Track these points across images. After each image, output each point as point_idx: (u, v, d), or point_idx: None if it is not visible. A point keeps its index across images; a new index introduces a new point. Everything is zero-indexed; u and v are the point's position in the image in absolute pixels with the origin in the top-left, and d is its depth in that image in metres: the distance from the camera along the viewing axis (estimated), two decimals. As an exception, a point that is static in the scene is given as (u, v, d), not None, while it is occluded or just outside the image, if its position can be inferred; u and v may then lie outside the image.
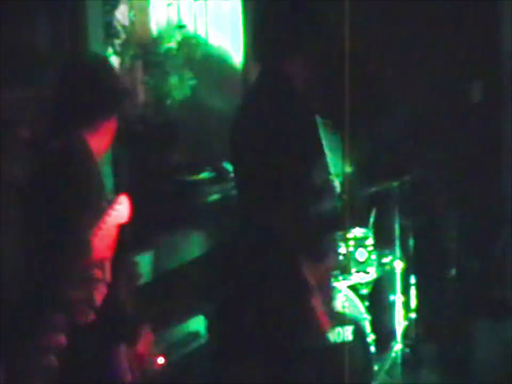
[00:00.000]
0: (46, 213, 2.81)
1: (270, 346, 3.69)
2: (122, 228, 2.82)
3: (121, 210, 2.80)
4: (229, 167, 4.78)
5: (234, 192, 4.77)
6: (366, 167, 5.00)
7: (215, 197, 4.84)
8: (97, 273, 2.59)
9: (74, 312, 2.40)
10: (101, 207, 2.85)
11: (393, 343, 5.19)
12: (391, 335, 5.21)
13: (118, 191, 4.11)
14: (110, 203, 2.74)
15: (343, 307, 4.78)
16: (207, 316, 4.36)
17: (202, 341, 4.31)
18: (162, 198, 4.33)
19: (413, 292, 5.40)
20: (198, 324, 4.31)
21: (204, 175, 4.82)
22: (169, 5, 4.98)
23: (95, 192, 2.90)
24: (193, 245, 4.68)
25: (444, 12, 5.54)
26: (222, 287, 4.52)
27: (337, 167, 4.15)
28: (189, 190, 4.63)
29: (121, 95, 3.14)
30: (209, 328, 4.36)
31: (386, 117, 5.35)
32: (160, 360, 3.95)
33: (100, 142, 3.03)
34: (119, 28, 4.59)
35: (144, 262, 3.98)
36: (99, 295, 2.49)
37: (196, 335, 4.29)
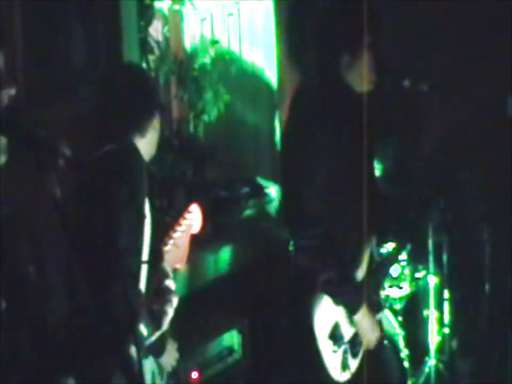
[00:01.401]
0: (96, 224, 2.83)
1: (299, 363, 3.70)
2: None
3: (193, 219, 2.82)
4: (263, 182, 4.80)
5: (268, 207, 4.80)
6: (399, 180, 4.99)
7: (249, 212, 4.86)
8: (171, 283, 2.59)
9: (151, 323, 2.41)
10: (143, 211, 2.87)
11: (427, 359, 5.16)
12: (425, 350, 5.18)
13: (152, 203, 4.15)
14: (181, 213, 2.76)
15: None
16: (241, 331, 4.36)
17: (236, 356, 4.31)
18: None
19: (446, 306, 5.36)
20: (232, 339, 4.31)
21: (239, 190, 4.83)
22: (203, 20, 5.01)
23: (144, 195, 2.93)
24: (228, 260, 4.69)
25: (480, 26, 5.52)
26: (256, 302, 4.52)
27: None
28: (224, 205, 4.65)
29: (160, 96, 3.19)
30: (243, 344, 4.36)
31: (420, 132, 5.33)
32: (195, 375, 3.96)
33: (147, 144, 3.06)
34: (153, 43, 4.62)
35: (179, 276, 3.99)
36: (172, 306, 2.50)
37: (230, 350, 4.29)
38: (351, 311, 3.59)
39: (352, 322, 3.62)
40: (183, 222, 2.79)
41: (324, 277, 3.52)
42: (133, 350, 2.44)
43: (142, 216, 2.88)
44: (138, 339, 2.50)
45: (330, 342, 3.57)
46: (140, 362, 2.47)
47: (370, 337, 3.65)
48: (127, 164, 2.90)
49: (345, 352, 3.63)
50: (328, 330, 3.58)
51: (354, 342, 3.66)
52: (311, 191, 3.49)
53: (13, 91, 1.80)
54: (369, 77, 3.57)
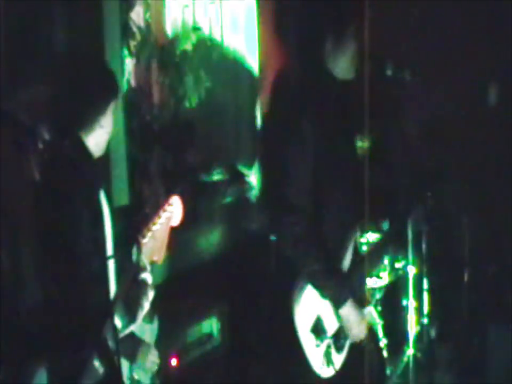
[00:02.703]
0: (56, 215, 2.80)
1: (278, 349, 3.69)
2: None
3: (173, 212, 2.77)
4: (243, 169, 4.78)
5: (248, 193, 4.78)
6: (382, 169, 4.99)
7: (229, 198, 4.84)
8: (148, 276, 2.55)
9: (125, 315, 2.38)
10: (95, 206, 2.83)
11: (405, 348, 5.17)
12: (404, 339, 5.19)
13: (133, 192, 4.12)
14: (161, 204, 2.71)
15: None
16: (219, 318, 4.35)
17: (215, 342, 4.29)
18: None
19: (425, 296, 5.37)
20: (211, 325, 4.30)
21: (218, 176, 4.81)
22: (185, 6, 4.98)
23: (93, 190, 2.88)
24: (207, 246, 4.67)
25: (462, 14, 5.52)
26: (235, 289, 4.51)
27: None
28: (203, 191, 4.63)
29: (113, 93, 3.11)
30: (222, 330, 4.35)
31: (403, 121, 5.34)
32: (174, 361, 3.94)
33: (94, 142, 3.00)
34: (135, 29, 4.59)
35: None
36: (147, 299, 2.47)
37: (209, 336, 4.28)
38: (337, 304, 3.57)
39: (337, 316, 3.59)
40: (163, 214, 2.75)
41: (309, 268, 3.51)
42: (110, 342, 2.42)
43: (92, 213, 2.83)
44: (113, 330, 2.47)
45: (313, 336, 3.55)
46: (117, 352, 2.45)
47: (356, 331, 3.63)
48: (70, 160, 2.85)
49: (328, 347, 3.60)
50: (310, 323, 3.56)
51: (339, 336, 3.63)
52: (292, 176, 3.48)
53: None
54: (352, 65, 3.58)
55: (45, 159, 2.72)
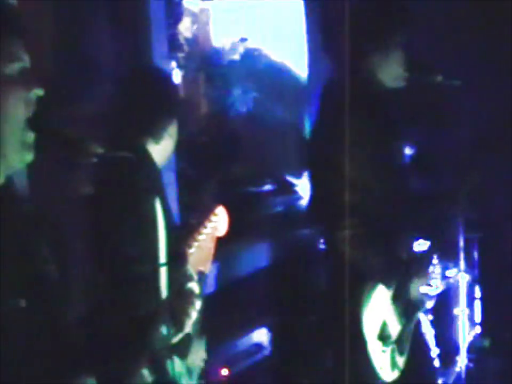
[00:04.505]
0: (109, 223, 2.83)
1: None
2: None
3: (218, 222, 2.79)
4: (291, 179, 4.79)
5: (296, 203, 4.78)
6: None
7: (278, 208, 4.85)
8: (194, 286, 2.56)
9: (172, 325, 2.38)
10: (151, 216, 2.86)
11: (457, 358, 5.12)
12: (456, 349, 5.14)
13: (181, 202, 4.15)
14: (207, 215, 2.73)
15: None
16: (270, 328, 4.35)
17: (265, 352, 4.30)
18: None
19: (478, 305, 5.32)
20: (261, 336, 4.30)
21: (267, 187, 4.82)
22: (231, 18, 5.01)
23: (153, 200, 2.91)
24: (257, 257, 4.68)
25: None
26: (285, 299, 4.51)
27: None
28: (252, 202, 4.64)
29: (180, 104, 3.16)
30: (272, 340, 4.35)
31: (450, 127, 5.30)
32: (224, 371, 3.95)
33: (161, 151, 3.05)
34: (182, 41, 4.63)
35: (209, 274, 3.99)
36: (195, 309, 2.47)
37: (259, 347, 4.28)
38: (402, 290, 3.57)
39: (400, 318, 3.59)
40: (209, 224, 2.77)
41: (373, 261, 3.50)
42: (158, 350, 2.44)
43: (150, 222, 2.87)
44: (160, 340, 2.49)
45: (380, 343, 3.54)
46: (162, 362, 2.46)
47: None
48: (135, 170, 2.87)
49: (393, 351, 3.60)
50: (376, 330, 3.55)
51: (401, 339, 3.63)
52: (342, 183, 3.48)
53: (40, 92, 1.80)
54: (399, 73, 3.57)
55: (100, 170, 2.77)
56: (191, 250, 2.73)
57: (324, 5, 5.08)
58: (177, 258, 2.79)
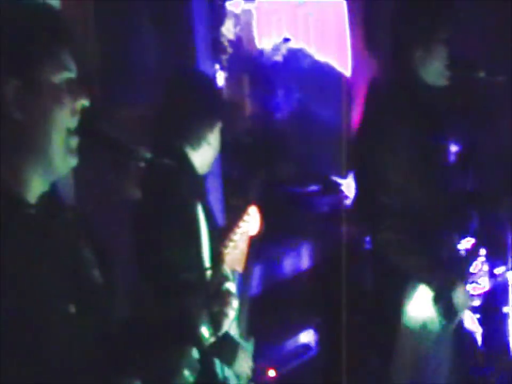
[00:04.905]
0: (153, 229, 2.86)
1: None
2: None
3: (251, 221, 2.82)
4: (336, 178, 4.78)
5: (342, 203, 4.77)
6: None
7: (323, 208, 4.84)
8: (231, 285, 2.58)
9: (211, 325, 2.40)
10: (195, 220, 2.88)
11: (505, 357, 5.07)
12: (504, 347, 5.09)
13: (227, 203, 4.17)
14: (241, 215, 2.76)
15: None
16: (317, 329, 4.35)
17: (313, 353, 4.30)
18: (271, 210, 4.36)
19: (526, 303, 5.26)
20: (308, 336, 4.31)
21: (312, 187, 4.83)
22: (274, 19, 5.02)
23: (193, 206, 2.93)
24: (303, 257, 4.68)
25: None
26: (331, 299, 4.50)
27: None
28: (298, 202, 4.65)
29: (221, 112, 3.15)
30: (320, 341, 4.35)
31: (495, 124, 5.25)
32: (272, 372, 3.97)
33: (200, 159, 3.05)
34: (225, 43, 4.65)
35: (255, 274, 4.01)
36: (232, 308, 2.48)
37: (306, 347, 4.28)
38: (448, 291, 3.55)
39: (440, 315, 3.57)
40: (242, 224, 2.80)
41: (415, 261, 3.50)
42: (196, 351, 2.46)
43: (191, 228, 2.89)
44: (199, 340, 2.51)
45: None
46: (203, 362, 2.48)
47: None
48: (174, 176, 2.88)
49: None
50: (418, 330, 3.54)
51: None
52: (388, 182, 3.47)
53: (86, 102, 1.81)
54: (443, 70, 3.55)
55: (145, 176, 2.79)
56: (227, 251, 2.76)
57: (366, 3, 5.07)
58: (215, 259, 2.83)
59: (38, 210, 1.79)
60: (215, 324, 2.51)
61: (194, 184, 3.00)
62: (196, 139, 3.02)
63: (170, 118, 3.05)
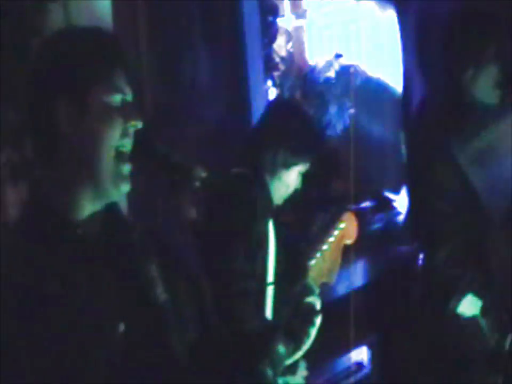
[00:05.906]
0: (216, 247, 2.84)
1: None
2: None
3: (346, 229, 2.72)
4: (389, 195, 4.76)
5: (395, 220, 4.74)
6: None
7: (377, 225, 4.82)
8: (315, 300, 2.46)
9: (290, 343, 2.33)
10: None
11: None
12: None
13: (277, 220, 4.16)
14: (332, 223, 2.65)
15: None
16: (370, 346, 4.32)
17: (366, 371, 4.27)
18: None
19: None
20: (361, 354, 4.28)
21: (365, 203, 4.80)
22: (326, 34, 5.02)
23: (264, 220, 2.90)
24: (356, 274, 4.65)
25: None
26: (385, 316, 4.47)
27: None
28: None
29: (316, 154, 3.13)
30: (373, 359, 4.32)
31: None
32: (325, 390, 3.95)
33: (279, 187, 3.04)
34: (277, 60, 4.66)
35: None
36: (314, 326, 2.40)
37: (359, 365, 4.26)
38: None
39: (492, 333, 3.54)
40: (334, 232, 2.69)
41: (468, 277, 3.47)
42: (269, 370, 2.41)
43: (261, 242, 2.84)
44: (274, 359, 2.45)
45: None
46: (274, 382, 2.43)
47: None
48: (250, 189, 2.86)
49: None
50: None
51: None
52: (443, 203, 3.46)
53: (139, 124, 1.82)
54: (494, 89, 3.53)
55: (204, 196, 2.80)
56: (313, 262, 2.66)
57: (419, 22, 5.04)
58: (294, 273, 2.75)
59: (86, 229, 1.79)
60: (294, 343, 2.42)
61: (266, 200, 2.95)
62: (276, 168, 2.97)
63: (256, 140, 3.03)
